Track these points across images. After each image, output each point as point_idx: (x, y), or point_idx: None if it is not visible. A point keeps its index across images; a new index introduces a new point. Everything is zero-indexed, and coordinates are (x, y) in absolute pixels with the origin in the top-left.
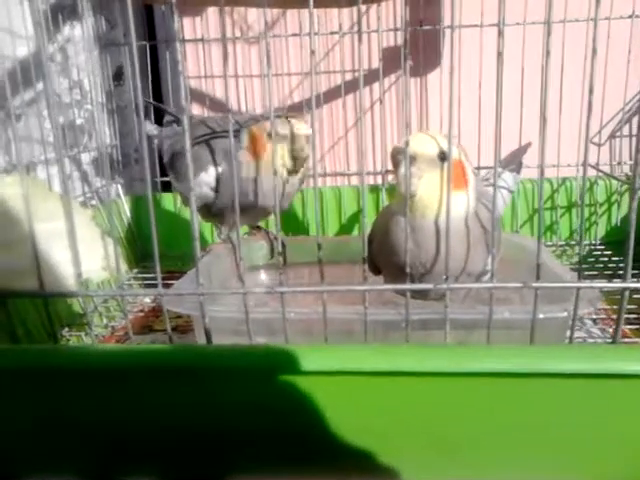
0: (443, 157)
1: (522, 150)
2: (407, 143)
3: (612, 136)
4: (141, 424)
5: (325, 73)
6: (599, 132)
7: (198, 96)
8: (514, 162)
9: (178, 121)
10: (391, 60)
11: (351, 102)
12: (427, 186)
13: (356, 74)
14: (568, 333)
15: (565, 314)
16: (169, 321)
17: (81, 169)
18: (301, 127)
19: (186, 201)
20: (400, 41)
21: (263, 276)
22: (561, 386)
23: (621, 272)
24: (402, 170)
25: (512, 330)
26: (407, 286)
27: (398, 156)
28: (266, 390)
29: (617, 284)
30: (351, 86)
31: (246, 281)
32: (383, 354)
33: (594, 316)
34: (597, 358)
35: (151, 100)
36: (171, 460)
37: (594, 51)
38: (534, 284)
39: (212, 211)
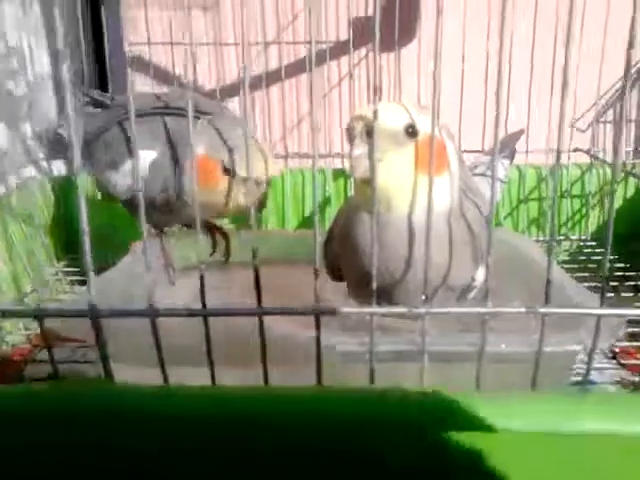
0: (412, 132)
1: (514, 137)
2: (375, 113)
3: (597, 121)
4: None
5: (290, 44)
6: (595, 118)
7: (140, 65)
8: (506, 149)
9: (97, 104)
10: (362, 31)
11: (318, 76)
12: (390, 170)
13: (324, 46)
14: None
15: (578, 348)
16: None
17: (24, 144)
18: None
19: (103, 191)
20: (371, 11)
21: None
22: None
23: (618, 274)
24: (355, 150)
25: (506, 364)
26: (371, 309)
27: (352, 130)
28: None
29: None
30: (318, 59)
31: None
32: None
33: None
34: None
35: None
36: None
37: (569, 28)
38: (541, 309)
39: (134, 204)
